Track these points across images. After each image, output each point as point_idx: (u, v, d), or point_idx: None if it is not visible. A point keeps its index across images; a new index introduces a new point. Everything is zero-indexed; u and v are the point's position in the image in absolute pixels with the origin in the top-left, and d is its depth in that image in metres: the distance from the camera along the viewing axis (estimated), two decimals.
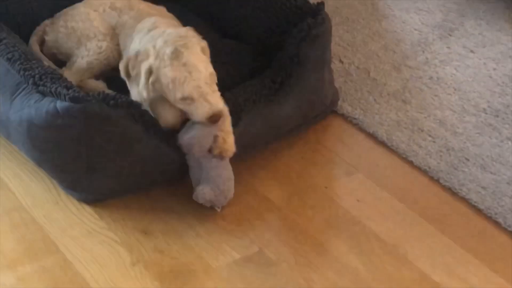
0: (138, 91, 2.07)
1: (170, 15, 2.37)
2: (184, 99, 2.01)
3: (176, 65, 2.00)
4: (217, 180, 2.04)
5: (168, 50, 2.00)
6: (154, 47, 2.04)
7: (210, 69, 2.04)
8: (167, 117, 2.05)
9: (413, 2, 3.07)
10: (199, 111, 2.01)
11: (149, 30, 2.16)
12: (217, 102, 2.02)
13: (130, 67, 2.08)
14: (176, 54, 2.00)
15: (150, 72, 2.02)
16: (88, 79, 2.31)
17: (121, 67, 2.10)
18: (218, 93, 2.05)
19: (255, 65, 2.43)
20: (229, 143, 2.05)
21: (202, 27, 2.61)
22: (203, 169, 2.05)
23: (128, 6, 2.37)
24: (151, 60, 2.02)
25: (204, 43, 2.08)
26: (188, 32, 2.09)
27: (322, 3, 2.38)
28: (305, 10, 2.39)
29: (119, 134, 2.04)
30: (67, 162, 2.07)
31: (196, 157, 2.05)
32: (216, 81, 2.06)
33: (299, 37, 2.30)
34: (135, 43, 2.17)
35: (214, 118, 2.01)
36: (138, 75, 2.06)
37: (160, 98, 2.05)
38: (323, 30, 2.34)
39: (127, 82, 2.14)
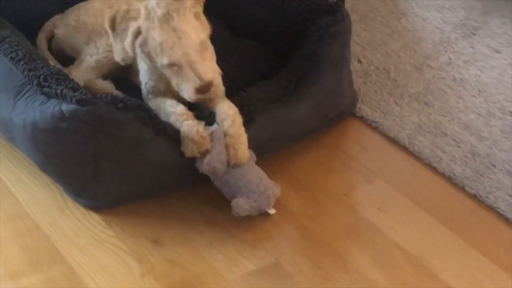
0: (122, 48, 2.01)
1: None
2: (171, 65, 1.94)
3: (165, 29, 1.92)
4: (249, 187, 1.97)
5: (159, 12, 1.93)
6: (145, 7, 1.96)
7: (203, 36, 1.96)
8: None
9: None
10: (186, 81, 1.94)
11: None
12: (206, 72, 1.93)
13: (117, 20, 2.00)
14: (166, 17, 1.92)
15: (138, 32, 1.96)
16: (96, 78, 2.24)
17: (107, 18, 2.03)
18: (210, 63, 1.97)
19: (269, 65, 2.36)
20: (241, 151, 1.98)
21: (214, 24, 2.56)
22: (230, 184, 1.98)
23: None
24: (140, 21, 1.95)
25: (198, 8, 2.00)
26: None
27: (342, 0, 2.30)
28: (324, 7, 2.32)
29: (128, 138, 1.97)
30: (73, 168, 2.01)
31: (220, 177, 1.98)
32: (210, 52, 2.00)
33: (317, 36, 2.23)
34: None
35: (202, 89, 1.94)
36: (124, 31, 2.00)
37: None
38: (343, 28, 2.27)
39: (110, 34, 2.06)
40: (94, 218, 2.02)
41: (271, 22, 2.45)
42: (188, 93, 1.96)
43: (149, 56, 1.98)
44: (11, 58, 2.08)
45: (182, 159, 2.01)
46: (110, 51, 2.21)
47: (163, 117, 2.01)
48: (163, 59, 1.94)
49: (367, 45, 2.73)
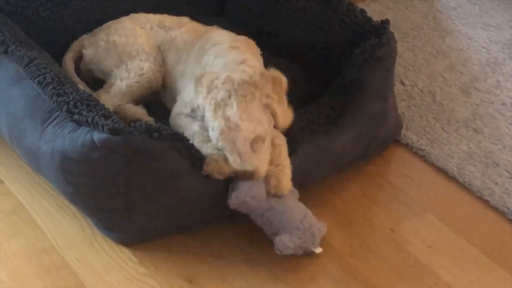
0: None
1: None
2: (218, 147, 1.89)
3: (218, 114, 1.85)
4: (292, 223, 1.89)
5: (219, 95, 1.86)
6: (225, 80, 1.87)
7: (261, 130, 1.86)
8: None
9: (479, 16, 2.90)
10: (230, 156, 1.87)
11: (232, 48, 2.03)
12: (251, 162, 1.85)
13: (203, 82, 1.91)
14: (224, 103, 1.85)
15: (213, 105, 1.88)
16: (127, 103, 2.16)
17: (196, 76, 1.94)
18: (262, 155, 1.87)
19: (310, 89, 2.28)
20: (285, 182, 1.90)
21: None
22: (272, 221, 1.89)
23: (177, 23, 2.24)
24: (213, 93, 1.88)
25: (274, 99, 1.89)
26: (262, 78, 1.89)
27: (387, 21, 2.22)
28: (368, 28, 2.24)
29: (162, 169, 1.88)
30: (104, 200, 1.92)
31: (260, 213, 1.90)
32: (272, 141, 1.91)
33: (362, 59, 2.14)
34: (209, 57, 2.03)
35: (244, 176, 1.86)
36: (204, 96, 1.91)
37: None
38: (388, 51, 2.18)
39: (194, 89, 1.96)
40: (125, 254, 1.94)
41: (312, 43, 2.37)
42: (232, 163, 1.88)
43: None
44: (39, 82, 2.00)
45: (219, 192, 1.92)
46: (142, 75, 2.14)
47: (188, 135, 1.94)
48: (212, 136, 1.87)
49: (409, 66, 2.64)
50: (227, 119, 1.84)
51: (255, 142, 1.86)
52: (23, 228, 2.00)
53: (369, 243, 2.00)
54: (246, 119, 1.84)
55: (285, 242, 1.88)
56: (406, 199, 2.14)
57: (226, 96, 1.85)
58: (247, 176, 1.86)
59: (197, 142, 1.93)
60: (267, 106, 1.88)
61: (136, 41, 2.20)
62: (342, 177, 2.19)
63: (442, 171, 2.22)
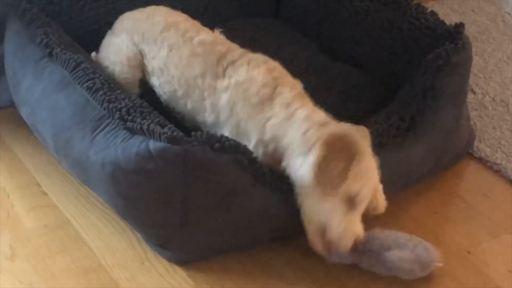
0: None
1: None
2: None
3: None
4: (399, 241, 1.83)
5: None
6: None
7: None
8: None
9: None
10: None
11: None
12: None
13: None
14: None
15: None
16: None
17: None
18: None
19: (376, 97, 2.19)
20: (382, 200, 1.88)
21: (308, 47, 2.43)
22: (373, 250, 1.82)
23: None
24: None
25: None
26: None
27: (462, 25, 2.13)
28: (440, 32, 2.15)
29: (223, 183, 1.80)
30: (158, 215, 1.84)
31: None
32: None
33: (435, 66, 2.05)
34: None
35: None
36: None
37: None
38: (464, 57, 2.09)
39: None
40: (178, 274, 1.87)
41: (377, 48, 2.29)
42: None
43: None
44: (88, 88, 1.94)
45: (283, 210, 1.84)
46: None
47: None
48: None
49: (479, 72, 2.55)
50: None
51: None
52: (69, 244, 1.93)
53: (444, 266, 1.90)
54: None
55: (401, 256, 1.80)
56: (481, 218, 2.05)
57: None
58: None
59: None
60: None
61: None
62: (410, 193, 2.10)
63: None
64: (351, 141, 1.73)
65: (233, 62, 1.96)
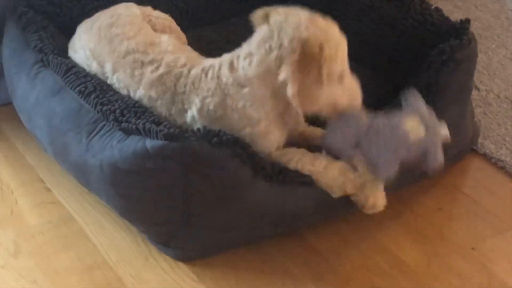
0: None
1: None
2: None
3: None
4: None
5: None
6: None
7: None
8: None
9: None
10: None
11: None
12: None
13: None
14: None
15: None
16: None
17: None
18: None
19: (381, 93, 2.19)
20: (381, 199, 1.91)
21: None
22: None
23: None
24: None
25: None
26: None
27: (468, 21, 2.13)
28: (445, 28, 2.16)
29: (223, 178, 1.80)
30: (160, 213, 1.85)
31: None
32: None
33: (439, 62, 2.06)
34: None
35: None
36: None
37: None
38: (469, 54, 2.09)
39: None
40: (183, 270, 1.87)
41: (381, 44, 2.30)
42: None
43: None
44: (80, 92, 1.93)
45: (285, 203, 1.85)
46: None
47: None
48: None
49: (483, 69, 2.56)
50: None
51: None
52: (73, 240, 1.94)
53: (449, 263, 1.91)
54: None
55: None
56: (486, 214, 2.06)
57: None
58: None
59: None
60: None
61: None
62: (415, 189, 2.10)
63: None
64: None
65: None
